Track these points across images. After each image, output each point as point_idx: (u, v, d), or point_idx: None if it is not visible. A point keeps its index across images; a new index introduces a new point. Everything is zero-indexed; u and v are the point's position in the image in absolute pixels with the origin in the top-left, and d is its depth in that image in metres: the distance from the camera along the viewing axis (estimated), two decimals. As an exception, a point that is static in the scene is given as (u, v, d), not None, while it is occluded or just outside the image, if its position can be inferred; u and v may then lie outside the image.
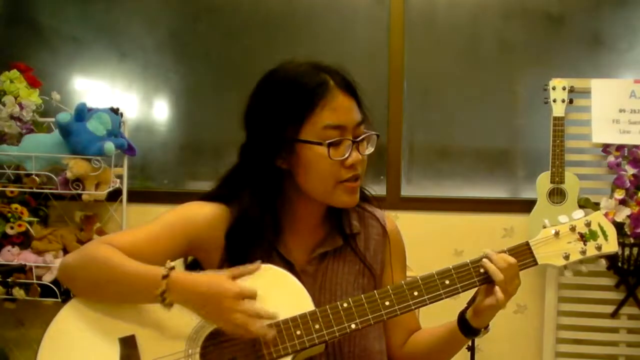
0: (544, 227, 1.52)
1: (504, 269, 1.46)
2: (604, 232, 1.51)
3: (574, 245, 1.51)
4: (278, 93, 1.51)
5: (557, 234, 1.51)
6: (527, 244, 1.51)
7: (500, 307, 1.47)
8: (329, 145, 1.46)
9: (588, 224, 1.51)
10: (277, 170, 1.52)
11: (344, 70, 1.54)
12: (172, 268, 1.39)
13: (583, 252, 1.50)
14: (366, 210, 1.66)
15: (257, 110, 1.54)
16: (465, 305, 1.55)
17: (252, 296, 1.38)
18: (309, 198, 1.54)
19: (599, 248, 1.50)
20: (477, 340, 3.12)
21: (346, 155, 1.48)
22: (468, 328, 1.52)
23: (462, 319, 1.54)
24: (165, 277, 1.37)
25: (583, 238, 1.51)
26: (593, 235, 1.51)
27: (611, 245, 1.51)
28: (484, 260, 1.48)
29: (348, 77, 1.53)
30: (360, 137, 1.50)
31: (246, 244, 1.52)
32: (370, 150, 1.54)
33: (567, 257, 1.50)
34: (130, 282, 1.41)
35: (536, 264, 1.50)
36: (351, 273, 1.59)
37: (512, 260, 1.47)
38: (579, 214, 1.52)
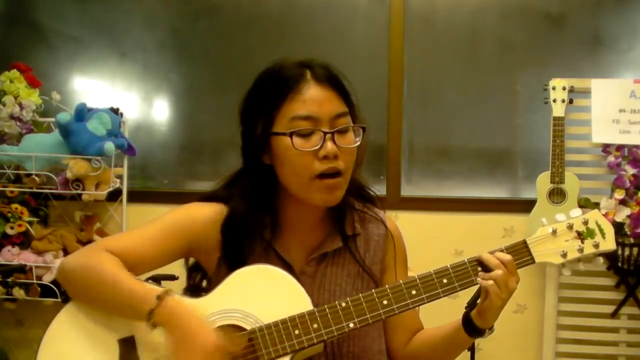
0: (542, 225, 1.52)
1: (499, 267, 1.46)
2: (601, 230, 1.51)
3: (571, 243, 1.50)
4: (259, 89, 1.52)
5: (554, 232, 1.51)
6: (525, 242, 1.51)
7: (501, 305, 1.47)
8: (292, 134, 1.45)
9: (585, 222, 1.51)
10: (265, 168, 1.53)
11: (328, 64, 1.53)
12: (168, 292, 1.40)
13: (581, 250, 1.50)
14: (368, 211, 1.66)
15: (243, 108, 1.55)
16: (465, 306, 1.54)
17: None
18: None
19: (596, 246, 1.50)
20: (477, 340, 3.11)
21: (317, 147, 1.46)
22: (472, 328, 1.52)
23: (466, 319, 1.53)
24: (159, 297, 1.38)
25: (580, 236, 1.51)
26: (590, 233, 1.51)
27: (609, 243, 1.51)
28: (480, 274, 1.47)
29: (332, 70, 1.52)
30: (336, 129, 1.47)
31: (241, 242, 1.52)
32: (357, 142, 1.51)
33: (564, 255, 1.50)
34: (124, 299, 1.41)
35: (534, 262, 1.50)
36: (350, 275, 1.59)
37: (506, 257, 1.47)
38: (576, 212, 1.52)
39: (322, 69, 1.51)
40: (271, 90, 1.49)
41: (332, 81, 1.50)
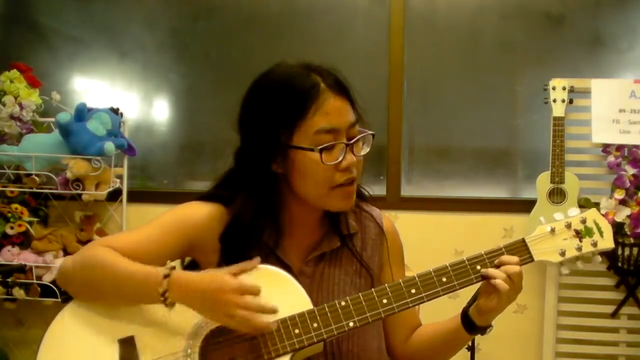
0: (541, 224, 1.52)
1: (508, 280, 1.46)
2: (599, 229, 1.51)
3: (569, 241, 1.51)
4: (269, 97, 1.50)
5: (552, 230, 1.51)
6: (523, 240, 1.51)
7: (504, 308, 1.48)
8: (321, 150, 1.45)
9: (583, 221, 1.52)
10: (272, 175, 1.52)
11: (335, 71, 1.52)
12: (173, 268, 1.39)
13: (579, 249, 1.50)
14: (363, 210, 1.66)
15: (250, 115, 1.53)
16: (467, 303, 1.55)
17: (254, 291, 1.36)
18: (305, 201, 1.53)
19: (594, 244, 1.50)
20: (477, 340, 3.12)
21: (340, 159, 1.46)
22: (472, 326, 1.53)
23: (465, 316, 1.54)
24: (166, 276, 1.37)
25: (579, 235, 1.51)
26: (589, 232, 1.51)
27: (607, 242, 1.51)
28: (490, 270, 1.48)
29: (340, 77, 1.51)
30: (355, 139, 1.49)
31: (242, 247, 1.52)
32: (365, 150, 1.52)
33: (563, 254, 1.50)
34: (130, 283, 1.41)
35: (532, 260, 1.51)
36: (348, 274, 1.59)
37: (516, 269, 1.47)
38: (574, 211, 1.53)
39: (332, 77, 1.50)
40: (288, 101, 1.47)
41: (344, 90, 1.50)
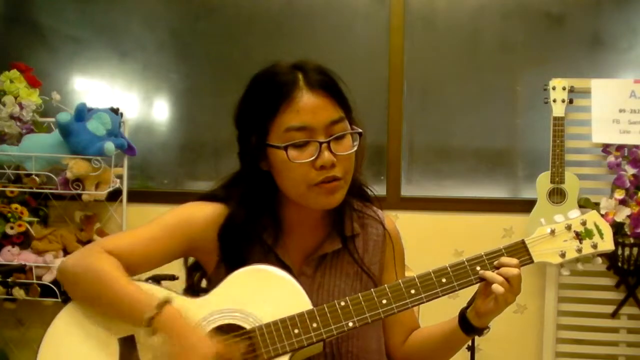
0: (541, 226, 1.52)
1: (506, 283, 1.45)
2: (599, 231, 1.51)
3: (569, 243, 1.50)
4: (252, 95, 1.50)
5: (552, 232, 1.51)
6: (523, 242, 1.51)
7: (502, 310, 1.47)
8: (287, 147, 1.43)
9: (584, 223, 1.52)
10: (263, 173, 1.51)
11: (323, 68, 1.50)
12: (168, 301, 1.39)
13: (579, 250, 1.50)
14: (366, 210, 1.65)
15: (238, 113, 1.53)
16: (466, 304, 1.55)
17: None
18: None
19: (594, 246, 1.50)
20: (477, 340, 3.12)
21: (314, 157, 1.44)
22: (469, 327, 1.52)
23: (463, 318, 1.53)
24: (158, 306, 1.37)
25: (579, 236, 1.51)
26: (589, 234, 1.51)
27: (607, 244, 1.51)
28: (486, 273, 1.47)
29: (327, 74, 1.49)
30: (331, 137, 1.45)
31: (240, 245, 1.52)
32: (354, 148, 1.49)
33: (563, 255, 1.50)
34: (123, 306, 1.41)
35: (532, 261, 1.50)
36: (349, 276, 1.58)
37: (514, 272, 1.46)
38: (574, 213, 1.52)
39: (315, 74, 1.47)
40: (264, 100, 1.46)
41: (326, 86, 1.47)
